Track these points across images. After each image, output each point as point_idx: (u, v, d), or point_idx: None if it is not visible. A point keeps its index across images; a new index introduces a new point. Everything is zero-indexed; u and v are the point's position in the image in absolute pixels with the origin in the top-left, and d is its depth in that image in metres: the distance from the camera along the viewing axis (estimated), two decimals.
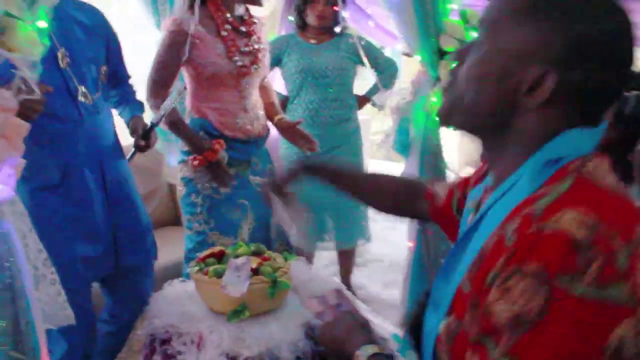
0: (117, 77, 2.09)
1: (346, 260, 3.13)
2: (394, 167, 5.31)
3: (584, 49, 0.73)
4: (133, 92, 2.17)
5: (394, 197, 1.29)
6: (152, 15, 2.87)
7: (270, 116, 2.42)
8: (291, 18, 3.47)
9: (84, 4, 1.94)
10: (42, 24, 0.97)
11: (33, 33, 0.95)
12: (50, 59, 1.64)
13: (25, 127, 1.04)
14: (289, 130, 2.41)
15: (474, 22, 2.18)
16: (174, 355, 1.70)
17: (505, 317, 0.67)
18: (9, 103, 0.97)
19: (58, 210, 1.80)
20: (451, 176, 2.42)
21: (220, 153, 2.18)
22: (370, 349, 0.92)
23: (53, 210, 1.79)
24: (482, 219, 0.82)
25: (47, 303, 1.25)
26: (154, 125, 1.98)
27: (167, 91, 2.18)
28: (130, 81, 2.19)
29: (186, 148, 2.26)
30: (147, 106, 2.20)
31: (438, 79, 2.17)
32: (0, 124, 0.93)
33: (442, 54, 2.15)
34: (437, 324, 0.85)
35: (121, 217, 1.99)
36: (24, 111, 1.53)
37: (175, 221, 3.23)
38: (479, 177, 1.03)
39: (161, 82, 2.17)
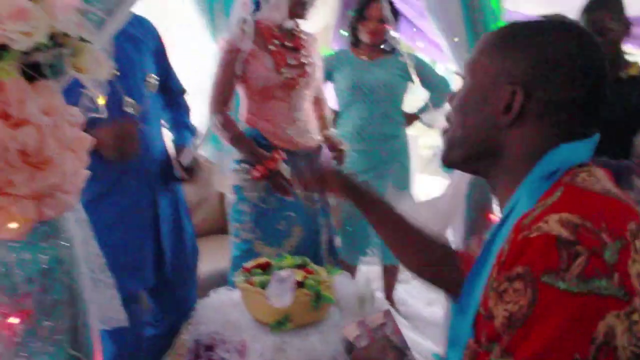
0: (168, 90, 2.12)
1: (389, 276, 3.14)
2: (444, 182, 5.27)
3: (545, 70, 0.82)
4: (186, 114, 2.21)
5: (423, 257, 1.21)
6: (208, 27, 2.97)
7: (318, 129, 2.47)
8: (344, 32, 3.52)
9: (134, 15, 1.91)
10: (110, 46, 1.05)
11: (101, 55, 1.02)
12: None
13: (89, 140, 1.11)
14: (331, 149, 2.47)
15: None
16: None
17: (501, 319, 0.72)
18: (77, 119, 1.04)
19: (105, 220, 1.80)
20: None
21: (281, 163, 2.24)
22: None
23: (100, 220, 1.71)
24: (489, 246, 0.86)
25: (103, 305, 1.33)
26: (185, 166, 2.03)
27: (226, 107, 2.30)
28: (186, 96, 2.23)
29: (238, 157, 2.33)
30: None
31: None
32: (70, 138, 1.01)
33: None
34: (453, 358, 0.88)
35: (166, 229, 2.03)
36: (121, 145, 1.65)
37: (224, 229, 3.30)
38: None
39: (219, 99, 2.29)
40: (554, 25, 0.85)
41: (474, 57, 0.91)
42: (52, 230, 1.14)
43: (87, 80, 1.00)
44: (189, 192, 2.60)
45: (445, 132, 0.95)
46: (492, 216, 2.32)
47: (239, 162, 2.33)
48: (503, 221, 0.85)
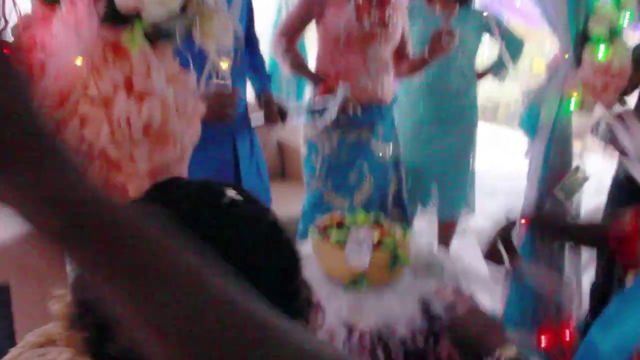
0: (250, 43, 2.13)
1: (446, 230, 3.09)
2: (497, 130, 5.17)
3: None
4: (263, 63, 2.24)
5: None
6: None
7: None
8: None
9: None
10: (236, 12, 0.98)
11: (227, 21, 0.96)
12: None
13: (203, 108, 1.06)
14: None
15: (629, 7, 2.03)
16: None
17: None
18: (193, 86, 0.99)
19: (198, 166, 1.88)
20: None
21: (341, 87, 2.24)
22: (509, 351, 0.94)
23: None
24: None
25: None
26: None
27: (289, 41, 2.35)
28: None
29: (310, 110, 2.34)
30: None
31: (578, 64, 2.03)
32: (190, 111, 0.96)
33: (585, 38, 2.03)
34: (612, 345, 0.82)
35: (246, 171, 2.10)
36: (217, 109, 1.64)
37: (283, 174, 3.35)
38: None
39: (287, 31, 2.36)
40: None
41: None
42: None
43: (212, 48, 0.94)
44: None
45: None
46: None
47: (311, 115, 2.34)
48: None
